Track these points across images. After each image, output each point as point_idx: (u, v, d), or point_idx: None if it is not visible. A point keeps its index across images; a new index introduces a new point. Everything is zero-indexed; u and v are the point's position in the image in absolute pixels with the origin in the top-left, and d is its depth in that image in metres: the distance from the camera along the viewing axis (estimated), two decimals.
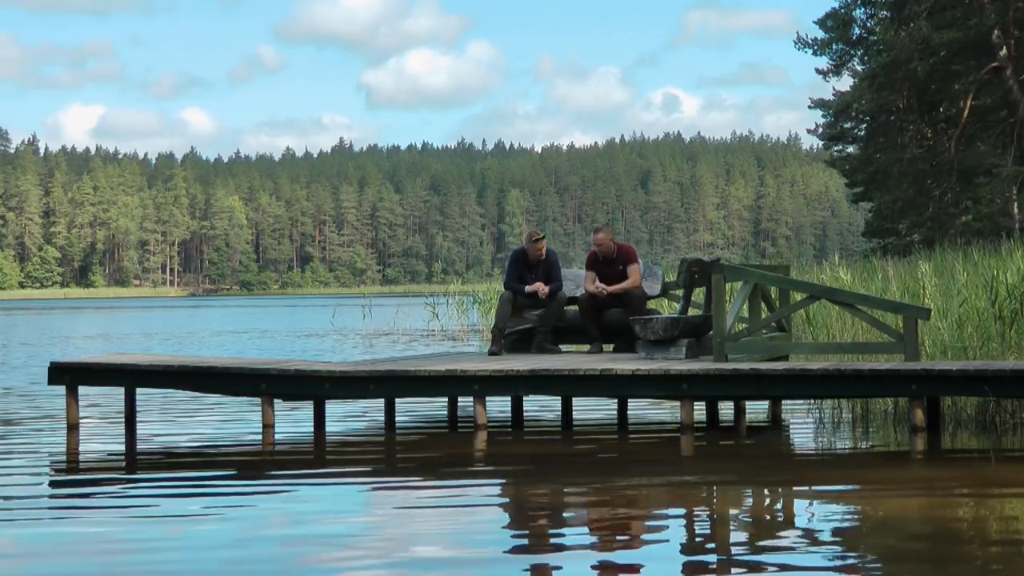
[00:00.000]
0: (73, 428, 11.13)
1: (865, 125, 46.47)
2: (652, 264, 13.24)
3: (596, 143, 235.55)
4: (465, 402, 11.97)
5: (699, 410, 10.96)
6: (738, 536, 6.52)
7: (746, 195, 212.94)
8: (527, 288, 12.43)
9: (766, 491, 7.89)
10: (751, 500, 7.59)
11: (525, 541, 6.46)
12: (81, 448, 10.31)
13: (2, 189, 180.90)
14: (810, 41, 43.88)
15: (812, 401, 11.84)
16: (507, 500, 7.81)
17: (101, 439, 10.86)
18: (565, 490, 7.90)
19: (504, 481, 8.47)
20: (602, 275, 12.40)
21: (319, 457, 9.78)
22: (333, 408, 12.41)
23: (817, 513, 7.14)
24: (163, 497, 7.88)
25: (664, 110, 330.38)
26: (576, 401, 12.07)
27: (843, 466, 9.03)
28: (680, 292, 12.41)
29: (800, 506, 7.45)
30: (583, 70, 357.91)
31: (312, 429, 11.05)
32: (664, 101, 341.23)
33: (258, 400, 11.18)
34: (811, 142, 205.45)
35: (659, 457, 9.45)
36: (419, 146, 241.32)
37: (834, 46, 43.94)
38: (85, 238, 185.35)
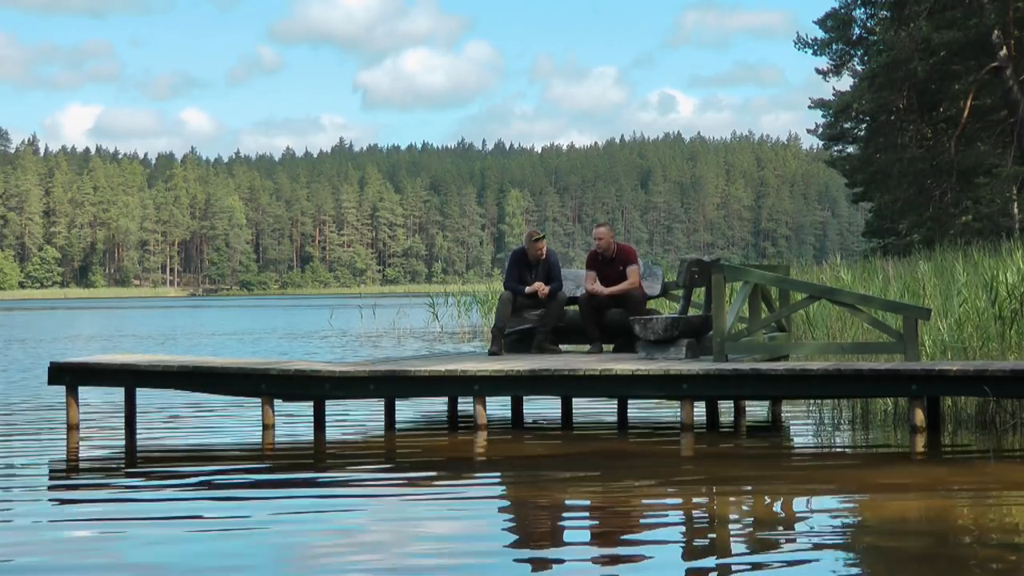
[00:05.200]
0: (73, 428, 11.12)
1: (865, 125, 46.44)
2: (652, 264, 13.23)
3: (596, 143, 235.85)
4: (465, 402, 11.97)
5: (699, 410, 10.95)
6: (738, 536, 6.52)
7: (746, 195, 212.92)
8: (527, 288, 12.42)
9: (766, 491, 7.88)
10: (751, 500, 7.58)
11: (525, 541, 6.46)
12: (81, 448, 10.31)
13: (2, 189, 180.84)
14: (810, 41, 43.90)
15: (812, 401, 11.84)
16: (507, 500, 7.81)
17: (101, 439, 10.86)
18: (565, 490, 7.90)
19: (504, 481, 8.47)
20: (602, 275, 12.39)
21: (319, 457, 9.78)
22: (333, 408, 12.41)
23: (817, 513, 7.14)
24: (163, 498, 7.88)
25: (660, 110, 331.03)
26: (576, 401, 12.06)
27: (843, 466, 9.03)
28: (680, 292, 12.41)
29: (800, 506, 7.45)
30: (580, 70, 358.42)
31: (312, 429, 11.05)
32: (660, 101, 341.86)
33: (258, 400, 11.18)
34: (811, 142, 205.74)
35: (659, 457, 9.45)
36: (419, 146, 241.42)
37: (834, 46, 43.93)
38: (85, 238, 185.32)
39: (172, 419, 12.42)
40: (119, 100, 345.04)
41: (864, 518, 6.92)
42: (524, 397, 11.49)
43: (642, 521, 6.97)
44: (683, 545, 6.31)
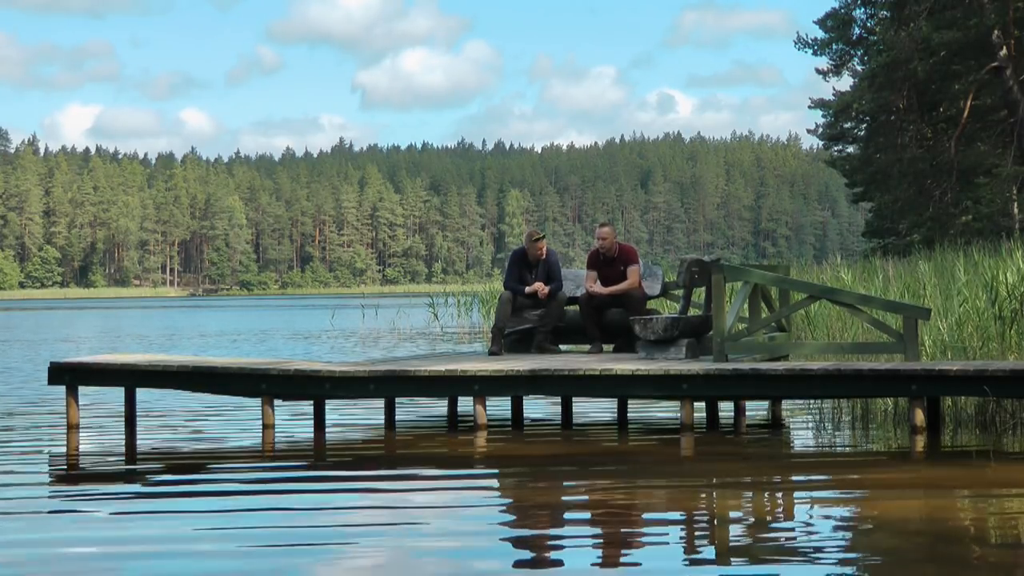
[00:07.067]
0: (73, 428, 11.12)
1: (865, 125, 46.46)
2: (652, 264, 13.23)
3: (596, 143, 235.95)
4: (465, 402, 11.97)
5: (699, 410, 10.95)
6: (738, 536, 6.52)
7: (746, 195, 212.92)
8: (527, 288, 12.42)
9: (766, 491, 7.89)
10: (751, 500, 7.58)
11: (525, 541, 6.46)
12: (81, 448, 10.31)
13: (2, 189, 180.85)
14: (810, 41, 43.92)
15: (812, 401, 11.84)
16: (507, 500, 7.81)
17: (101, 439, 10.86)
18: (565, 490, 7.90)
19: (504, 481, 8.47)
20: (603, 275, 12.39)
21: (319, 457, 9.78)
22: (333, 408, 12.41)
23: (817, 513, 7.14)
24: (163, 497, 7.88)
25: (659, 110, 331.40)
26: (576, 401, 12.06)
27: (843, 466, 9.03)
28: (680, 292, 12.41)
29: (800, 506, 7.45)
30: (579, 70, 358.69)
31: (312, 429, 11.05)
32: (659, 101, 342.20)
33: (258, 400, 11.18)
34: (811, 142, 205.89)
35: (659, 457, 9.45)
36: (419, 146, 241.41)
37: (834, 46, 43.97)
38: (85, 238, 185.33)
39: (172, 419, 12.42)
40: (119, 100, 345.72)
41: (864, 518, 6.92)
42: (524, 397, 11.49)
43: (642, 521, 6.97)
44: (683, 545, 6.30)
